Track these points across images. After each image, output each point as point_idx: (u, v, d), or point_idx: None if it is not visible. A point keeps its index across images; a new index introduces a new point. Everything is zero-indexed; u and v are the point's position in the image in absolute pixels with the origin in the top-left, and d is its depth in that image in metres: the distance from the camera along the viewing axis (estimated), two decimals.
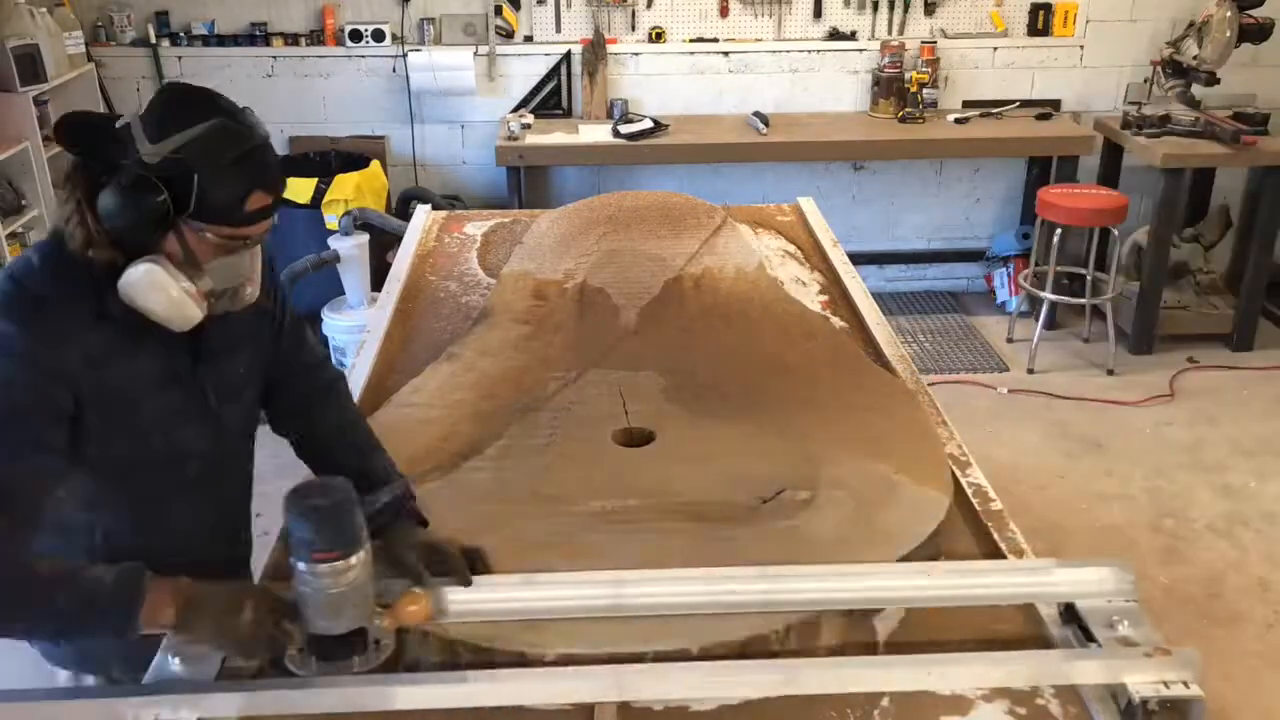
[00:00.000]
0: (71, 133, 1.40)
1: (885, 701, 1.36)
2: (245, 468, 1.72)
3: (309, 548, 1.29)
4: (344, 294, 4.04)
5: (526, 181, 4.75)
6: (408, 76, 4.80)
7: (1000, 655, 1.43)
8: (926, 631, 1.49)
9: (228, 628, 1.33)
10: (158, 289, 1.36)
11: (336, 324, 4.03)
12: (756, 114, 4.80)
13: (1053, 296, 4.63)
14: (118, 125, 1.36)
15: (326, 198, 4.36)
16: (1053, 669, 1.40)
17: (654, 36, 4.90)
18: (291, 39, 4.82)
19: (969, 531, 1.73)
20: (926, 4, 4.90)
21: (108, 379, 1.41)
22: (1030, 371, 4.58)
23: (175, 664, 1.36)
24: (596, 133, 4.71)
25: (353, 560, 1.30)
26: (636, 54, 4.93)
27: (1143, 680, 1.33)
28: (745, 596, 1.46)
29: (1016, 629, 1.51)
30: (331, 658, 1.35)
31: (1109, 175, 4.95)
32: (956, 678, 1.38)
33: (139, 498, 1.50)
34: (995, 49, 5.00)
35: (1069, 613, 1.49)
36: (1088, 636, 1.44)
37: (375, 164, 4.64)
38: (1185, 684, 1.32)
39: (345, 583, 1.30)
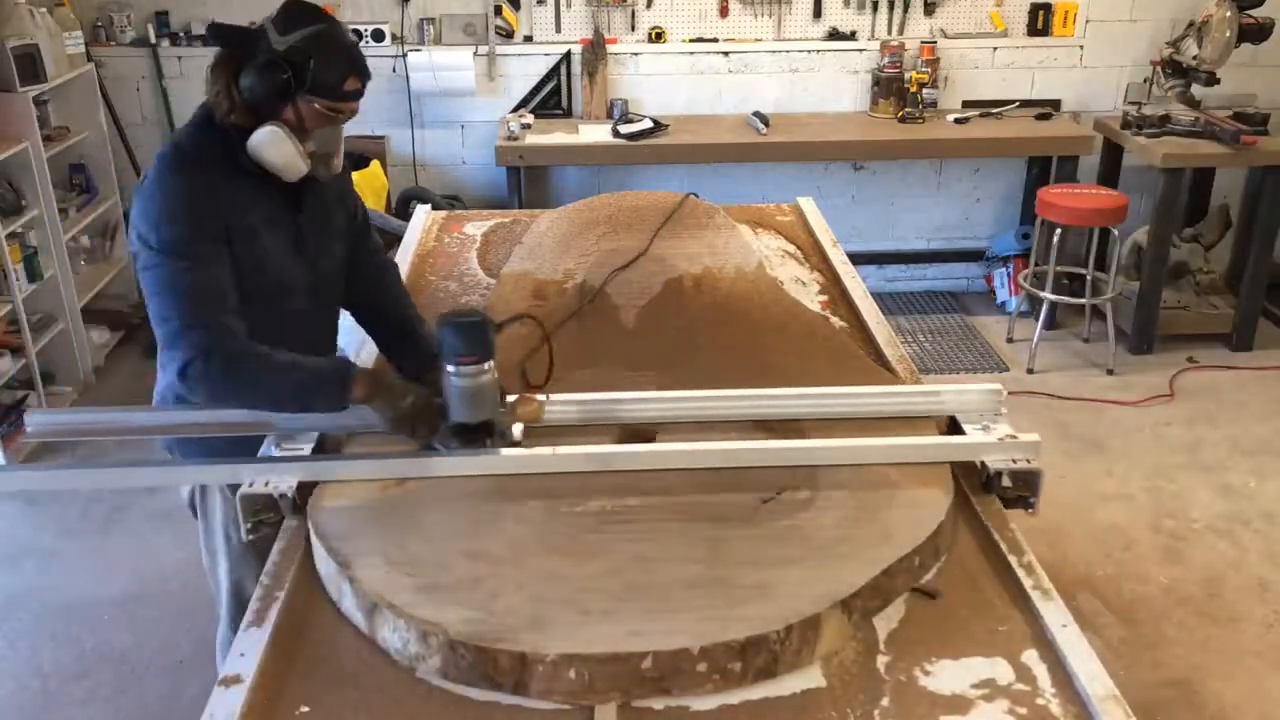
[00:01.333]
0: (220, 32, 1.88)
1: (885, 701, 1.37)
2: (332, 330, 2.23)
3: (456, 353, 1.72)
4: None
5: (526, 181, 4.75)
6: (407, 76, 4.80)
7: (894, 438, 1.84)
8: (926, 630, 1.49)
9: (397, 407, 1.80)
10: (279, 144, 1.88)
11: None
12: (756, 114, 4.80)
13: (1053, 296, 4.63)
14: (252, 27, 1.85)
15: None
16: (926, 446, 1.83)
17: (654, 36, 4.90)
18: None
19: (969, 531, 1.73)
20: (926, 4, 4.90)
21: (243, 218, 1.90)
22: (1030, 371, 4.58)
23: (275, 449, 1.84)
24: (596, 133, 4.71)
25: (485, 366, 1.74)
26: (636, 54, 4.93)
27: (996, 458, 1.80)
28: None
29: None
30: (469, 442, 1.80)
31: (1109, 175, 4.96)
32: (863, 454, 1.79)
33: (256, 324, 1.87)
34: (995, 49, 5.00)
35: (952, 424, 1.91)
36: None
37: (375, 164, 4.65)
38: (1028, 460, 1.79)
39: (480, 383, 1.75)
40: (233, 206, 1.88)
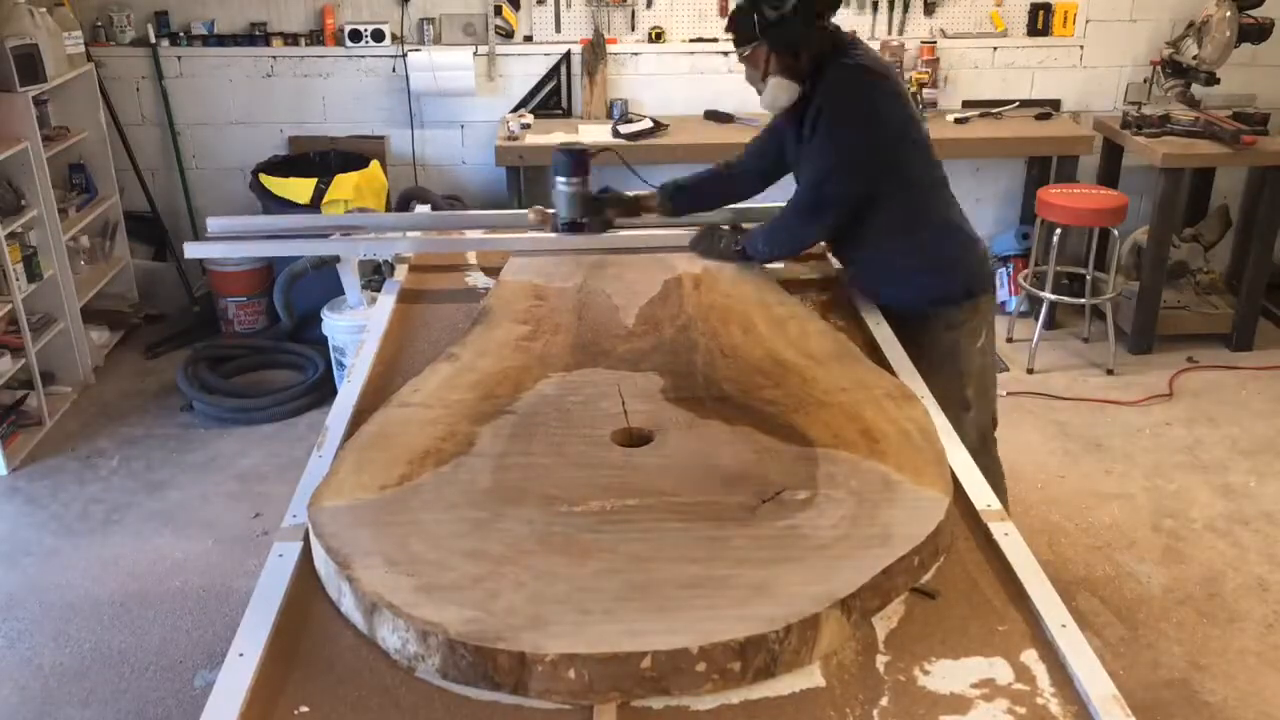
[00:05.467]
0: None
1: (884, 701, 1.37)
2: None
3: (559, 171, 2.71)
4: (344, 294, 4.03)
5: (526, 181, 4.74)
6: (407, 76, 4.80)
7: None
8: (926, 630, 1.49)
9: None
10: None
11: (336, 324, 4.03)
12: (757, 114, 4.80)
13: (1052, 296, 4.63)
14: None
15: (326, 198, 4.36)
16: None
17: (654, 36, 4.90)
18: (291, 39, 4.82)
19: (969, 531, 1.73)
20: (926, 4, 4.91)
21: None
22: (1030, 371, 4.58)
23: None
24: (596, 133, 4.71)
25: (574, 180, 2.72)
26: (636, 54, 4.93)
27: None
28: None
29: None
30: (570, 231, 2.78)
31: (1109, 175, 4.96)
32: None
33: None
34: (995, 49, 5.00)
35: None
36: None
37: (375, 164, 4.64)
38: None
39: (571, 191, 2.73)
40: None
